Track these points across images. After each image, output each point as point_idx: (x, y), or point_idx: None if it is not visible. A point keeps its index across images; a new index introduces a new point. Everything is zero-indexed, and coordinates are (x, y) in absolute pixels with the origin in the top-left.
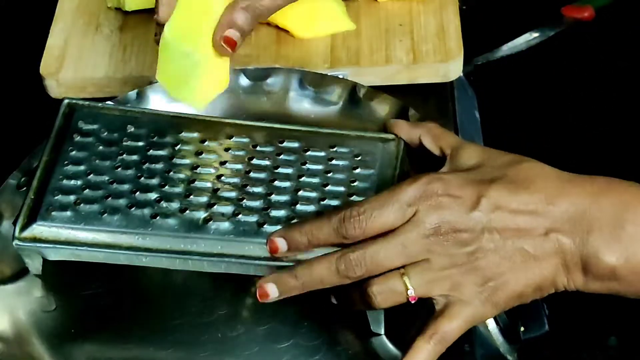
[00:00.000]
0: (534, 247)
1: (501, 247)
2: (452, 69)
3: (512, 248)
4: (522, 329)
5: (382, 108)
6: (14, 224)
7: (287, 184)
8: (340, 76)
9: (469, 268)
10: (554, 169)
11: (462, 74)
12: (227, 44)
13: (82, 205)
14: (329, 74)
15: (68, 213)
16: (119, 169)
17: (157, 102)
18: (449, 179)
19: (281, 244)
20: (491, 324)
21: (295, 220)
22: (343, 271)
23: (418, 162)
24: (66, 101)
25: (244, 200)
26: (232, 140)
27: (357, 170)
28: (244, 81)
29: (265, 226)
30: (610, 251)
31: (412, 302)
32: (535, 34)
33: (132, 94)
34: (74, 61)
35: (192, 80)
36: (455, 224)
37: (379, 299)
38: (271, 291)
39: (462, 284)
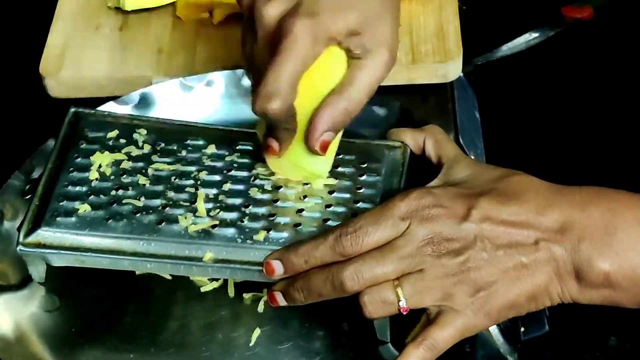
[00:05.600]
0: (526, 256)
1: (493, 257)
2: (451, 70)
3: (504, 258)
4: (522, 329)
5: (384, 111)
6: (18, 230)
7: (292, 190)
8: None
9: (461, 278)
10: (543, 182)
11: (462, 74)
12: (323, 149)
13: (86, 211)
14: None
15: (73, 219)
16: (125, 176)
17: (159, 103)
18: (439, 192)
19: (277, 266)
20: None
21: (300, 227)
22: (339, 286)
23: (422, 170)
24: (72, 110)
25: (250, 207)
26: (237, 147)
27: (363, 178)
28: (246, 84)
29: (270, 232)
30: (602, 257)
31: (404, 313)
32: (535, 34)
33: (135, 94)
34: (73, 61)
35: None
36: (447, 234)
37: (370, 308)
38: (279, 299)
39: (454, 294)
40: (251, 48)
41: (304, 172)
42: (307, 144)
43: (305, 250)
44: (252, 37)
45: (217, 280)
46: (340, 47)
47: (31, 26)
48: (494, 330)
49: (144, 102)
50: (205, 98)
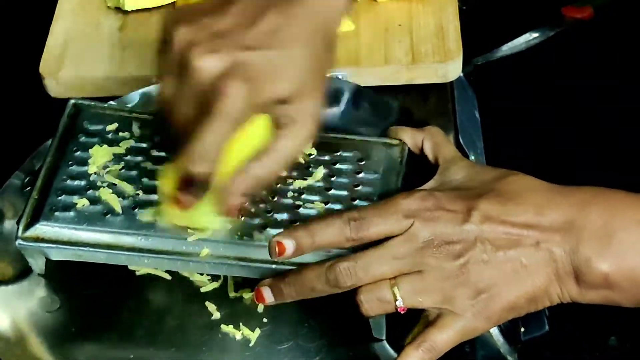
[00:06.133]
0: (526, 257)
1: (493, 258)
2: (451, 70)
3: (504, 259)
4: (522, 329)
5: (384, 111)
6: (17, 223)
7: (290, 187)
8: (339, 76)
9: (461, 281)
10: (541, 181)
11: (462, 74)
12: (232, 213)
13: (85, 205)
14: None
15: (71, 213)
16: (123, 170)
17: None
18: (439, 195)
19: (289, 245)
20: None
21: (298, 224)
22: (333, 281)
23: (420, 169)
24: (72, 101)
25: (247, 203)
26: None
27: (361, 175)
28: None
29: (267, 229)
30: (601, 258)
31: (402, 312)
32: (535, 34)
33: (135, 94)
34: (73, 61)
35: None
36: (448, 236)
37: (367, 306)
38: (267, 296)
39: (454, 297)
40: (174, 95)
41: (194, 224)
42: (217, 206)
43: (313, 229)
44: (178, 84)
45: (216, 280)
46: (268, 114)
47: (31, 26)
48: (494, 330)
49: (144, 102)
50: None
